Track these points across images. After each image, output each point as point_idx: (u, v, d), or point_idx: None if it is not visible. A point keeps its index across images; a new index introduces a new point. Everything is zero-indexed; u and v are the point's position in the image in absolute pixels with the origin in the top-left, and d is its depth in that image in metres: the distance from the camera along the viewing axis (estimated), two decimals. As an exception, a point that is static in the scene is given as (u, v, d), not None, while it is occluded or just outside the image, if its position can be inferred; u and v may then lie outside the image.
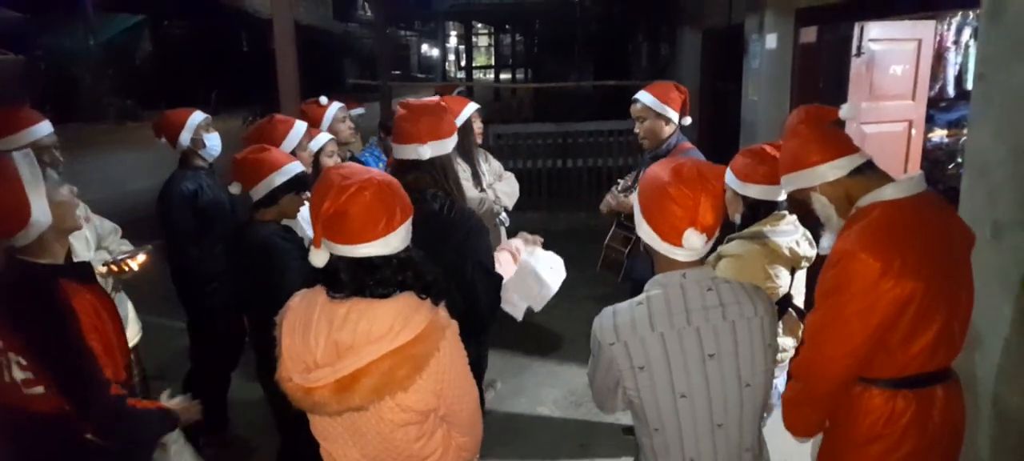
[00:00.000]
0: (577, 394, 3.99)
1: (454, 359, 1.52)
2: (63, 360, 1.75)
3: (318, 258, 1.49)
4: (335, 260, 1.49)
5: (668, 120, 3.21)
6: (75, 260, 1.99)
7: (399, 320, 1.42)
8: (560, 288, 2.91)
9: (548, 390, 4.03)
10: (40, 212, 1.73)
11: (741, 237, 2.38)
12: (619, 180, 3.60)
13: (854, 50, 4.32)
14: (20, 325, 1.76)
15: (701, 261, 1.68)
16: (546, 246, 2.99)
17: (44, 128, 2.73)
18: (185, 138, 3.23)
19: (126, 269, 2.77)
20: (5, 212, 1.71)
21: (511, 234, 3.13)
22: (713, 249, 2.39)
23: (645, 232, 1.67)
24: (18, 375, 1.78)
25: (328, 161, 3.30)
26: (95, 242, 2.86)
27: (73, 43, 14.75)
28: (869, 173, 1.81)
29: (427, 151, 2.26)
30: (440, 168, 2.31)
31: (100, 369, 1.77)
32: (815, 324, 1.81)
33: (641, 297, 1.68)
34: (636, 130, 3.36)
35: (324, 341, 1.44)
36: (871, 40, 4.33)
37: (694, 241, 1.58)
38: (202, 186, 3.21)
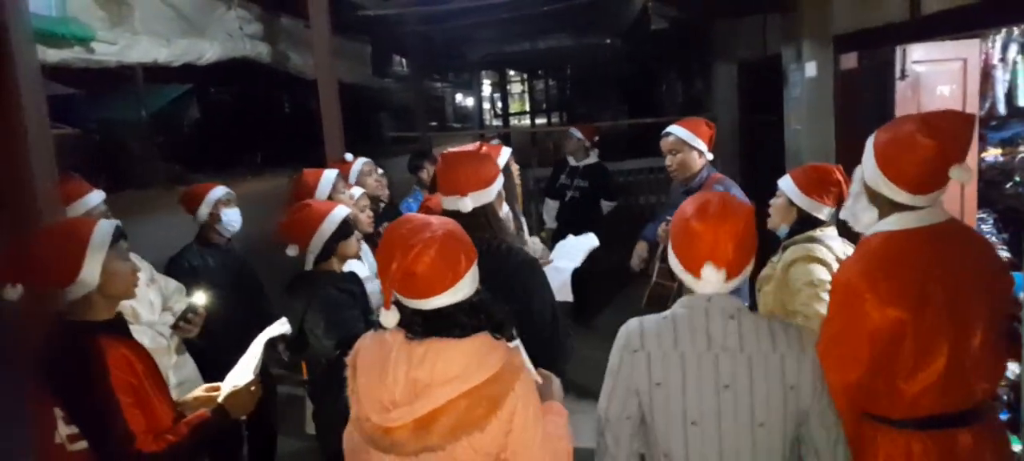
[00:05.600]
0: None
1: (526, 404, 1.49)
2: (89, 414, 1.84)
3: (389, 319, 1.50)
4: (409, 312, 1.51)
5: (701, 153, 3.27)
6: (141, 322, 2.06)
7: (474, 360, 1.44)
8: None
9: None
10: (89, 274, 1.90)
11: (795, 242, 2.45)
12: (667, 217, 3.59)
13: (898, 73, 4.24)
14: (57, 380, 1.85)
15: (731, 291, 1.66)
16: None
17: (95, 197, 2.88)
18: (203, 212, 3.28)
19: (189, 325, 2.83)
20: (60, 266, 1.89)
21: None
22: (761, 265, 2.42)
23: (673, 261, 1.69)
24: (63, 431, 1.87)
25: (361, 216, 3.37)
26: (161, 302, 2.92)
27: (125, 114, 15.38)
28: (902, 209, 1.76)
29: (468, 203, 2.21)
30: (482, 217, 2.26)
31: (125, 423, 1.80)
32: (820, 354, 1.75)
33: (668, 312, 1.68)
34: (668, 163, 3.39)
35: (403, 379, 1.45)
36: (914, 62, 4.24)
37: (710, 275, 1.58)
38: (207, 263, 3.21)
